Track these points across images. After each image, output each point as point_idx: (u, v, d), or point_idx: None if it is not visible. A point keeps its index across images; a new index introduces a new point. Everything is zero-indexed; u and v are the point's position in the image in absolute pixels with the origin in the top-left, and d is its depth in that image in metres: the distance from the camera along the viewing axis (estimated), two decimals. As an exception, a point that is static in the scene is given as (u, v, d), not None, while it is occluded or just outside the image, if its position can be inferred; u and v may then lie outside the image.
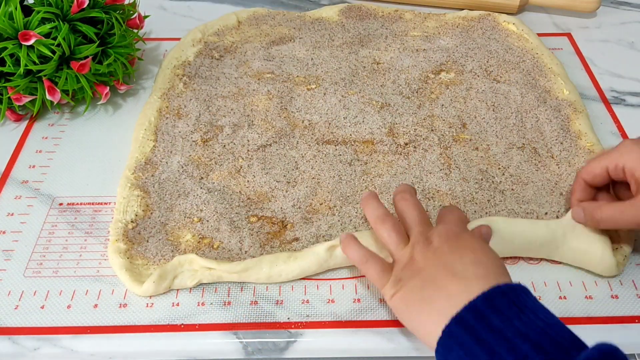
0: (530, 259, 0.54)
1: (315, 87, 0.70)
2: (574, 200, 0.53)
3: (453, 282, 0.41)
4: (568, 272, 0.54)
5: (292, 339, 0.49)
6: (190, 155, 0.62)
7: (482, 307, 0.39)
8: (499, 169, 0.61)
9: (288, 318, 0.50)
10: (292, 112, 0.67)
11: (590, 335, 0.47)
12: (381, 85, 0.71)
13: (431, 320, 0.41)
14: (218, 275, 0.52)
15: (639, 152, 0.49)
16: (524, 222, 0.53)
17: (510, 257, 0.55)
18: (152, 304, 0.51)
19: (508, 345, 0.37)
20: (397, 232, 0.48)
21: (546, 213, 0.56)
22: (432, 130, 0.65)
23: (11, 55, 0.62)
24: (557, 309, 0.51)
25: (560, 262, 0.54)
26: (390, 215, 0.49)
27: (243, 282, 0.53)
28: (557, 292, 0.52)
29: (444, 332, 0.39)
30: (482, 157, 0.62)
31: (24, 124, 0.69)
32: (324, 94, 0.69)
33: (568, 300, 0.51)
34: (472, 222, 0.52)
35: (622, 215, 0.49)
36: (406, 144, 0.63)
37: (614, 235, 0.53)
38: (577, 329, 0.49)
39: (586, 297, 0.52)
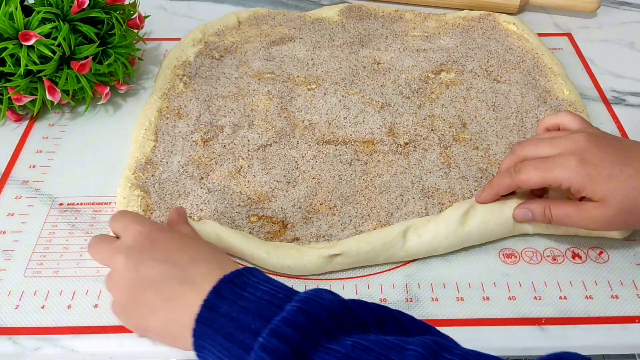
0: (530, 258, 0.55)
1: (316, 87, 0.70)
2: (495, 196, 0.54)
3: (183, 292, 0.42)
4: (568, 272, 0.54)
5: (292, 339, 0.49)
6: (190, 155, 0.62)
7: (214, 300, 0.41)
8: (499, 167, 0.61)
9: (288, 318, 0.50)
10: (292, 112, 0.67)
11: (590, 335, 0.47)
12: (381, 85, 0.71)
13: (183, 333, 0.41)
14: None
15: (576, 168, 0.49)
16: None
17: (511, 257, 0.55)
18: (153, 304, 0.51)
19: (235, 323, 0.39)
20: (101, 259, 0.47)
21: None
22: (432, 130, 0.65)
23: (11, 55, 0.62)
24: (558, 308, 0.51)
25: (561, 262, 0.54)
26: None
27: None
28: (558, 292, 0.52)
29: (194, 336, 0.41)
30: (482, 156, 0.62)
31: (24, 124, 0.69)
32: (324, 94, 0.69)
33: (568, 300, 0.51)
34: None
35: (579, 215, 0.50)
36: (406, 143, 0.63)
37: None
38: (577, 329, 0.49)
39: (586, 297, 0.52)
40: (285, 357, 0.36)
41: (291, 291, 0.42)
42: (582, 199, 0.50)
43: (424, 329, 0.41)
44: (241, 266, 0.44)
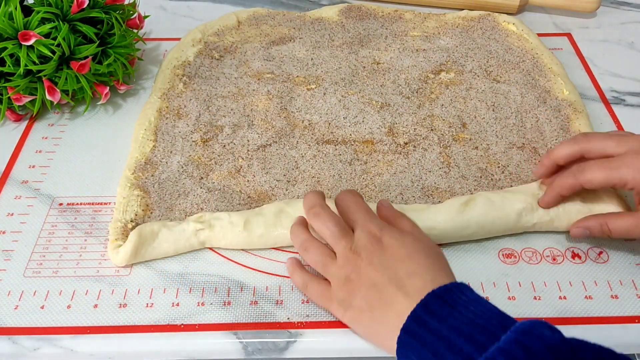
0: (530, 258, 0.55)
1: (315, 87, 0.70)
2: (558, 197, 0.53)
3: (397, 297, 0.43)
4: (568, 272, 0.54)
5: (292, 339, 0.49)
6: (190, 155, 0.62)
7: (421, 313, 0.41)
8: (499, 167, 0.61)
9: (288, 318, 0.50)
10: (292, 112, 0.67)
11: (590, 336, 0.47)
12: (381, 85, 0.71)
13: (388, 336, 0.43)
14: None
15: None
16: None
17: (510, 257, 0.55)
18: (152, 304, 0.51)
19: (445, 342, 0.39)
20: (320, 255, 0.49)
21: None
22: (431, 129, 0.65)
23: (11, 55, 0.62)
24: (557, 309, 0.51)
25: (560, 262, 0.54)
26: (312, 238, 0.50)
27: (242, 283, 0.53)
28: (557, 292, 0.52)
29: (398, 343, 0.42)
30: (481, 156, 0.62)
31: (24, 124, 0.69)
32: (324, 94, 0.69)
33: (568, 300, 0.51)
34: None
35: (638, 226, 0.50)
36: (406, 143, 0.63)
37: None
38: (577, 329, 0.49)
39: (586, 297, 0.52)
40: None
41: (505, 317, 0.41)
42: None
43: None
44: (455, 280, 0.44)
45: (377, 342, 0.46)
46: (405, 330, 0.41)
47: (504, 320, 0.40)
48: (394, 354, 0.43)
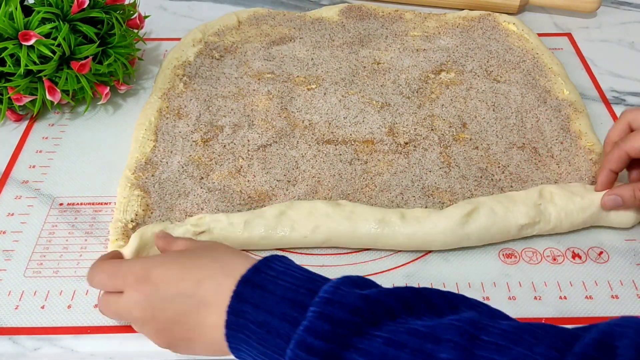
0: (530, 258, 0.55)
1: (316, 87, 0.70)
2: (610, 174, 0.54)
3: (207, 315, 0.41)
4: (568, 272, 0.54)
5: (292, 339, 0.49)
6: (190, 155, 0.62)
7: (236, 305, 0.40)
8: (499, 167, 0.61)
9: (288, 318, 0.50)
10: (292, 112, 0.67)
11: (590, 335, 0.47)
12: (381, 85, 0.71)
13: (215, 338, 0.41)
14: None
15: None
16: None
17: (511, 257, 0.55)
18: (152, 304, 0.51)
19: (265, 328, 0.39)
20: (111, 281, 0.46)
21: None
22: (432, 129, 0.65)
23: (11, 55, 0.62)
24: (558, 309, 0.51)
25: (561, 263, 0.54)
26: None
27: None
28: (558, 292, 0.52)
29: (229, 343, 0.41)
30: (482, 156, 0.62)
31: (24, 124, 0.69)
32: (324, 93, 0.69)
33: (568, 300, 0.51)
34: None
35: None
36: (406, 143, 0.63)
37: None
38: (577, 329, 0.49)
39: (586, 297, 0.52)
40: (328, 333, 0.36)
41: (312, 281, 0.41)
42: None
43: (456, 302, 0.40)
44: (255, 258, 0.43)
45: (227, 355, 0.43)
46: (228, 327, 0.40)
47: (311, 284, 0.40)
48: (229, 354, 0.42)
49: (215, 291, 0.41)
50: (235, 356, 0.42)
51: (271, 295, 0.40)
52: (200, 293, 0.42)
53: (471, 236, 0.54)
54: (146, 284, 0.43)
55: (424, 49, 0.76)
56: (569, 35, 0.82)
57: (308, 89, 0.70)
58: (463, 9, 0.84)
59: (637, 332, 0.33)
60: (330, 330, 0.36)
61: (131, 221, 0.55)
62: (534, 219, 0.54)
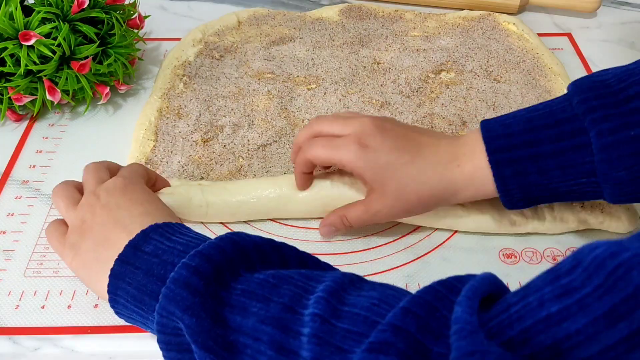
0: (530, 259, 0.55)
1: (315, 87, 0.70)
2: (301, 175, 0.54)
3: (123, 236, 0.43)
4: (568, 272, 0.54)
5: (293, 339, 0.49)
6: (190, 155, 0.62)
7: (138, 241, 0.42)
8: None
9: (288, 318, 0.50)
10: (292, 111, 0.67)
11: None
12: (381, 85, 0.71)
13: (103, 275, 0.43)
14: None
15: (355, 152, 0.48)
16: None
17: (511, 257, 0.55)
18: (153, 303, 0.51)
19: (159, 260, 0.40)
20: (65, 197, 0.49)
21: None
22: (431, 127, 0.65)
23: (11, 55, 0.62)
24: (558, 308, 0.50)
25: (560, 262, 0.54)
26: (64, 186, 0.51)
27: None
28: (558, 292, 0.52)
29: (110, 276, 0.42)
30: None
31: (24, 124, 0.69)
32: (324, 93, 0.69)
33: (568, 300, 0.51)
34: None
35: (368, 213, 0.50)
36: (406, 143, 0.63)
37: None
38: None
39: (586, 297, 0.52)
40: (200, 278, 0.37)
41: (202, 240, 0.42)
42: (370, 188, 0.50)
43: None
44: (147, 226, 0.44)
45: (95, 285, 0.45)
46: (121, 258, 0.42)
47: (203, 241, 0.41)
48: (106, 298, 0.43)
49: (140, 225, 0.44)
50: (110, 294, 0.43)
51: (178, 239, 0.42)
52: (136, 221, 0.44)
53: (467, 222, 0.54)
54: (118, 188, 0.47)
55: (424, 49, 0.76)
56: (569, 35, 0.82)
57: (308, 89, 0.70)
58: (463, 9, 0.84)
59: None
60: (230, 251, 0.38)
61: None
62: (523, 214, 0.55)
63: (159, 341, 0.39)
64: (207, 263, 0.37)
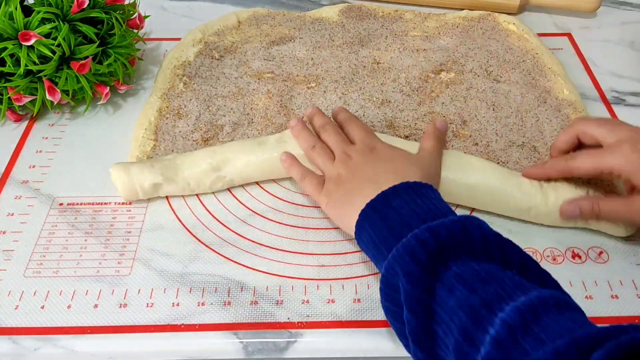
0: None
1: (315, 86, 0.70)
2: (544, 175, 0.56)
3: (369, 186, 0.50)
4: (568, 272, 0.54)
5: (292, 339, 0.49)
6: (190, 155, 0.62)
7: (389, 193, 0.48)
8: (498, 163, 0.61)
9: (288, 318, 0.50)
10: (292, 109, 0.67)
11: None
12: (381, 84, 0.71)
13: (353, 215, 0.49)
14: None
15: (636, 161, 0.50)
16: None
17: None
18: (153, 304, 0.51)
19: (400, 218, 0.45)
20: (325, 155, 0.56)
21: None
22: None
23: (11, 56, 0.62)
24: (558, 308, 0.50)
25: (561, 262, 0.54)
26: (319, 141, 0.58)
27: (242, 283, 0.53)
28: (558, 292, 0.52)
29: (360, 215, 0.48)
30: (481, 152, 0.62)
31: (24, 124, 0.69)
32: (324, 92, 0.69)
33: (568, 300, 0.51)
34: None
35: (626, 208, 0.52)
36: (406, 136, 0.63)
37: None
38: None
39: (586, 297, 0.52)
40: (424, 251, 0.41)
41: (449, 209, 0.47)
42: (633, 191, 0.52)
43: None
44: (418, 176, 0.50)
45: (344, 223, 0.51)
46: (369, 205, 0.47)
47: (450, 212, 0.46)
48: (352, 232, 0.49)
49: (391, 182, 0.49)
50: (356, 228, 0.48)
51: (422, 203, 0.46)
52: (384, 177, 0.50)
53: (473, 189, 0.56)
54: (370, 150, 0.55)
55: (424, 49, 0.76)
56: (569, 35, 0.82)
57: (308, 88, 0.70)
58: (463, 9, 0.84)
59: None
60: (458, 233, 0.42)
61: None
62: (533, 194, 0.55)
63: (381, 289, 0.44)
64: (434, 239, 0.41)
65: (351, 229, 0.49)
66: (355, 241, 0.56)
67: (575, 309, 0.38)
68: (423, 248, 0.41)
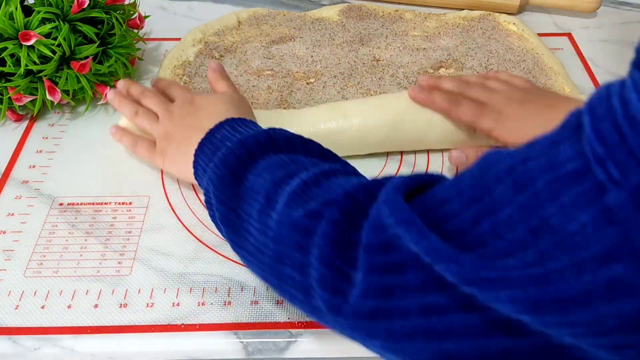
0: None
1: (315, 81, 0.70)
2: (428, 101, 0.61)
3: (196, 134, 0.52)
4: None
5: (293, 339, 0.49)
6: (190, 155, 0.62)
7: (213, 130, 0.51)
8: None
9: (288, 318, 0.50)
10: (291, 103, 0.67)
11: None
12: (379, 78, 0.71)
13: (190, 163, 0.52)
14: None
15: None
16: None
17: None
18: (153, 304, 0.51)
19: (222, 144, 0.49)
20: (149, 117, 0.59)
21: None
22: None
23: (11, 55, 0.62)
24: (558, 308, 0.50)
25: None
26: (141, 107, 0.60)
27: (242, 283, 0.53)
28: (558, 291, 0.52)
29: (194, 158, 0.51)
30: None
31: (25, 124, 0.69)
32: (323, 87, 0.69)
33: (568, 300, 0.51)
34: None
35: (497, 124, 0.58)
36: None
37: None
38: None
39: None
40: (234, 157, 0.46)
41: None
42: None
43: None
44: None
45: (186, 174, 0.53)
46: (201, 142, 0.51)
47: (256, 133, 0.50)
48: (193, 180, 0.52)
49: (216, 124, 0.52)
50: (194, 168, 0.51)
51: (244, 130, 0.50)
52: (208, 122, 0.53)
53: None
54: (190, 102, 0.58)
55: (424, 48, 0.76)
56: (569, 35, 0.82)
57: (307, 83, 0.70)
58: (463, 9, 0.84)
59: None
60: (265, 141, 0.47)
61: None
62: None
63: (206, 202, 0.49)
64: (242, 148, 0.46)
65: (192, 178, 0.52)
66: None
67: (361, 177, 0.43)
68: (232, 155, 0.46)
